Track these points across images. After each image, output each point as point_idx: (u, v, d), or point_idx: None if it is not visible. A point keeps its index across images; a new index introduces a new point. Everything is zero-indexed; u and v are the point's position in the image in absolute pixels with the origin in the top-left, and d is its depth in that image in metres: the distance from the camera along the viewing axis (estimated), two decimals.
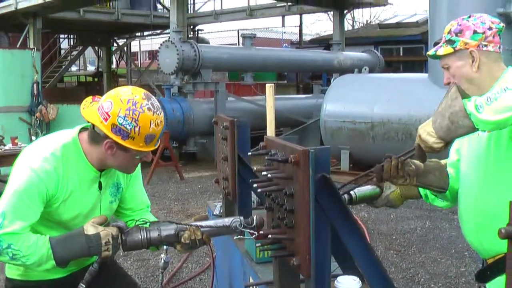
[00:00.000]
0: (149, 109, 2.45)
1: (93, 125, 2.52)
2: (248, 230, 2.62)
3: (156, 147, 2.56)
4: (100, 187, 2.67)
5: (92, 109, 2.51)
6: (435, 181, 2.62)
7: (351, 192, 2.91)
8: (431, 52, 2.51)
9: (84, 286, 2.56)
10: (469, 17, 2.45)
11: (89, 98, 2.59)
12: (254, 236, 2.61)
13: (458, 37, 2.42)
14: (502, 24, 2.44)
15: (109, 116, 2.42)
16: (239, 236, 2.70)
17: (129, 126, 2.42)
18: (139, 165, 2.81)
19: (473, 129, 2.19)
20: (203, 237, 2.59)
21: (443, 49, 2.46)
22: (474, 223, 2.46)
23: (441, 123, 2.24)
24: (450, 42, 2.45)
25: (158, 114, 2.49)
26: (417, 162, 2.53)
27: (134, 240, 2.53)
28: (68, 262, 2.49)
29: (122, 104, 2.43)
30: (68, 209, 2.56)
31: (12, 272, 2.71)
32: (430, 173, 2.60)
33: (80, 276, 2.72)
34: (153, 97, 2.53)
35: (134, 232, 2.55)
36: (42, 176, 2.45)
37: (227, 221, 2.67)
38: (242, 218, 2.67)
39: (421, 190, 2.83)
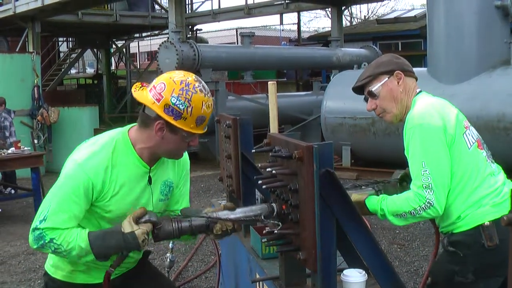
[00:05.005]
0: (201, 90, 2.47)
1: (144, 108, 2.52)
2: (273, 222, 2.50)
3: (205, 131, 2.55)
4: (149, 181, 2.64)
5: (143, 92, 2.51)
6: None
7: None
8: None
9: (113, 270, 2.53)
10: None
11: (138, 84, 2.58)
12: (279, 228, 2.45)
13: None
14: None
15: (162, 97, 2.43)
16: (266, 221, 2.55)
17: (182, 106, 2.43)
18: (189, 165, 2.84)
19: None
20: (234, 226, 2.56)
21: None
22: None
23: None
24: None
25: (208, 96, 2.51)
26: None
27: (166, 232, 2.51)
28: (108, 256, 2.49)
29: (176, 85, 2.44)
30: (118, 206, 2.54)
31: (57, 273, 2.71)
32: None
33: (126, 280, 2.77)
34: (202, 81, 2.54)
35: (166, 224, 2.52)
36: (89, 172, 2.46)
37: (255, 209, 2.57)
38: (274, 205, 2.52)
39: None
